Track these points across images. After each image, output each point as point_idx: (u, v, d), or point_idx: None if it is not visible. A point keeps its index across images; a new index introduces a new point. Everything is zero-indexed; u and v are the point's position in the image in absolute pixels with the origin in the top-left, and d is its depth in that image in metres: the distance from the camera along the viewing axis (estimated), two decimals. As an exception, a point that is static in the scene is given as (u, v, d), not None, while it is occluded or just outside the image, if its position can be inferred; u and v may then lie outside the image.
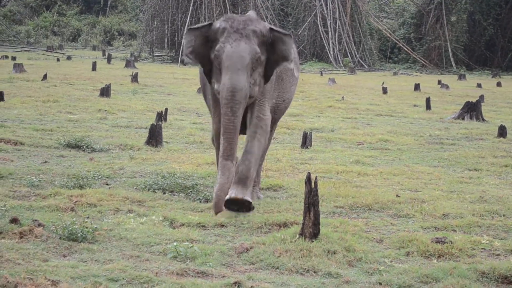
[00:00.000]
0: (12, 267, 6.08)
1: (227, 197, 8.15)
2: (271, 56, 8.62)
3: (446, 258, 7.06)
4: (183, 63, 8.87)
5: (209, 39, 8.57)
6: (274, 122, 9.51)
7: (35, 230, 7.02)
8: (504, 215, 8.84)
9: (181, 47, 8.46)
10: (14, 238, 6.88)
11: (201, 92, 10.51)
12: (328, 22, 48.88)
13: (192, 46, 8.59)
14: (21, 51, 46.76)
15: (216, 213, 8.15)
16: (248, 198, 8.22)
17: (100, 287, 5.77)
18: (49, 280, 5.73)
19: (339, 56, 48.52)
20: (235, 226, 7.92)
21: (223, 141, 8.25)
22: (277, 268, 6.60)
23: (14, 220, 7.27)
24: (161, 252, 6.89)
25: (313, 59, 49.52)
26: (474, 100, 20.65)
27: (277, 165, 11.74)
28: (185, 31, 8.55)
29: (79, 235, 6.98)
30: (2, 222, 7.27)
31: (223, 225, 7.95)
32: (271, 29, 8.65)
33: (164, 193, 9.43)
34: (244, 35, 8.41)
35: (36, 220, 7.36)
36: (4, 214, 7.57)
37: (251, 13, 9.13)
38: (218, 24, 8.58)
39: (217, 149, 8.90)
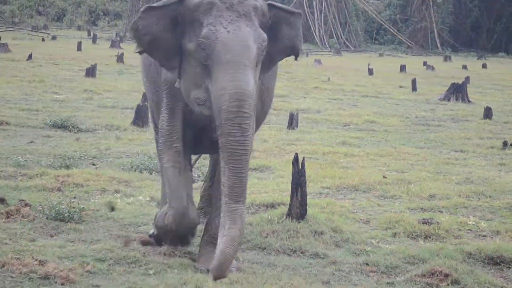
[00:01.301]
0: (-1, 247, 6.07)
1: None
2: (271, 45, 5.75)
3: (432, 239, 7.10)
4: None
5: (179, 20, 5.70)
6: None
7: (22, 210, 7.00)
8: (490, 196, 8.88)
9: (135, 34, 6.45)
10: (1, 218, 6.85)
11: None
12: (314, 3, 48.87)
13: (151, 32, 5.72)
14: (6, 30, 46.39)
15: (215, 279, 5.27)
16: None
17: (88, 267, 5.76)
18: (36, 259, 5.72)
19: (325, 37, 48.53)
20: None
21: (229, 173, 5.34)
22: (264, 248, 6.61)
23: (0, 200, 7.25)
24: (148, 232, 6.87)
25: (299, 40, 49.41)
26: (459, 82, 20.69)
27: (263, 146, 11.73)
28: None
29: (66, 215, 6.97)
30: (-12, 202, 7.25)
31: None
32: (270, 5, 5.85)
33: (151, 173, 9.41)
34: (242, 13, 5.56)
35: (23, 200, 7.34)
36: (-10, 194, 7.54)
37: None
38: None
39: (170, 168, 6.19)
